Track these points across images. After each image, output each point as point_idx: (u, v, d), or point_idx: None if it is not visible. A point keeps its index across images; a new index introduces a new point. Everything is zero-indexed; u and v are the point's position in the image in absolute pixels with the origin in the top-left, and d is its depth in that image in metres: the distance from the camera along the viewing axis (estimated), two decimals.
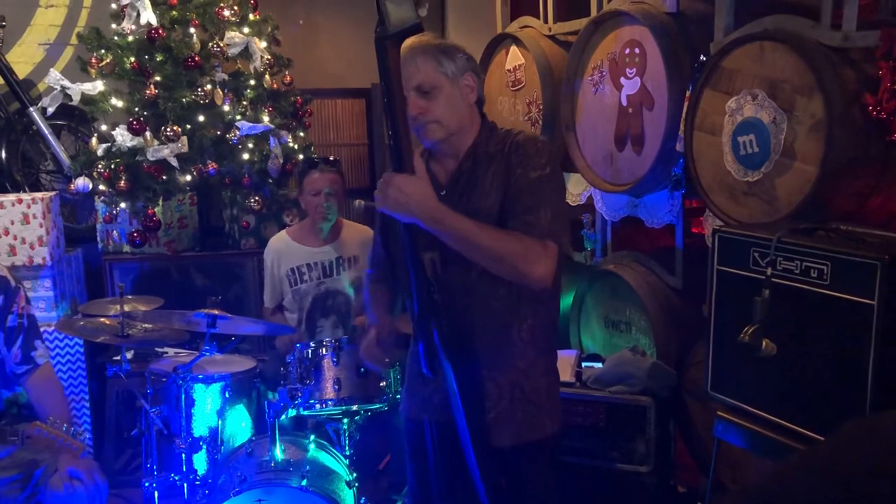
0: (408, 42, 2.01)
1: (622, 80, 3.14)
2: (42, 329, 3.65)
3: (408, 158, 1.80)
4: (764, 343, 2.03)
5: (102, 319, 3.13)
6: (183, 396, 2.91)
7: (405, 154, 1.79)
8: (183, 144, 3.90)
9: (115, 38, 4.04)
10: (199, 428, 3.01)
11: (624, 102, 3.15)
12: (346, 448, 2.93)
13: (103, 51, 4.02)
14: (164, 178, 3.93)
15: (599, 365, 3.07)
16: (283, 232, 3.68)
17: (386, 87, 1.72)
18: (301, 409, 2.87)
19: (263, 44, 4.21)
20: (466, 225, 1.85)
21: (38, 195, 3.83)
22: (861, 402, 1.89)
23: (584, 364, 3.13)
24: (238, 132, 3.98)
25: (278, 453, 2.76)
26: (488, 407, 2.04)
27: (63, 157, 4.40)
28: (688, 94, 2.80)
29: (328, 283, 3.56)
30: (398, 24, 1.62)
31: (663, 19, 2.97)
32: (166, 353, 3.48)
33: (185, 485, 2.91)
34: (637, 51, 3.06)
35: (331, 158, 3.64)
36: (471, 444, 1.85)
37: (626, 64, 3.11)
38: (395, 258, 2.21)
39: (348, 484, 2.81)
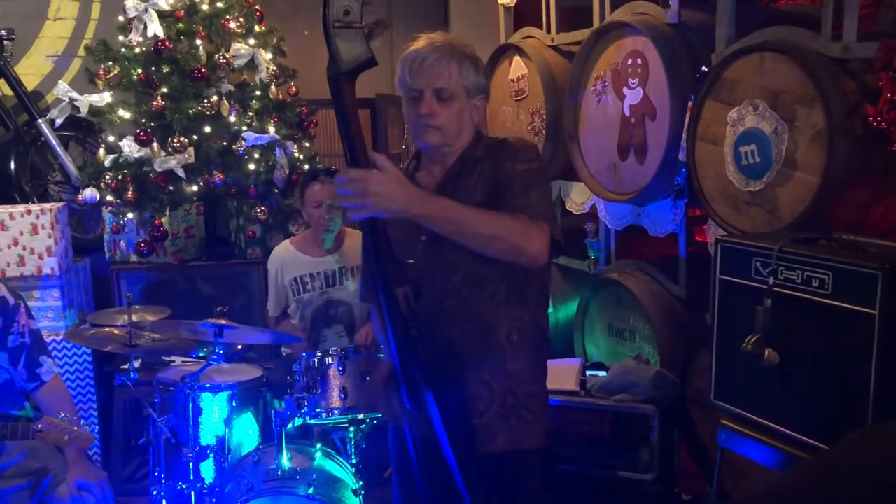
0: (446, 39, 1.98)
1: (625, 90, 3.17)
2: (50, 338, 3.72)
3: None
4: (766, 352, 2.05)
5: (110, 329, 3.15)
6: (190, 405, 2.93)
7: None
8: (189, 155, 3.94)
9: (123, 50, 4.08)
10: (207, 436, 3.03)
11: (626, 112, 3.17)
12: (353, 456, 2.94)
13: (111, 63, 4.06)
14: (171, 188, 3.97)
15: (603, 373, 3.09)
16: (287, 241, 3.70)
17: (344, 124, 1.66)
18: (307, 418, 2.89)
19: (269, 55, 4.24)
20: (456, 206, 1.81)
21: (47, 206, 3.86)
22: (863, 412, 1.90)
23: (588, 372, 3.14)
24: (244, 143, 4.01)
25: (285, 462, 2.77)
26: (480, 410, 2.00)
27: (71, 168, 4.44)
28: (690, 104, 2.83)
29: (331, 292, 3.58)
30: (351, 60, 1.58)
31: (665, 30, 3.00)
32: (174, 362, 3.50)
33: (193, 493, 2.92)
34: (639, 61, 3.08)
35: (332, 170, 3.67)
36: (454, 460, 1.81)
37: (629, 74, 3.13)
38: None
39: (354, 492, 2.83)
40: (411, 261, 1.88)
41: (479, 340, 2.00)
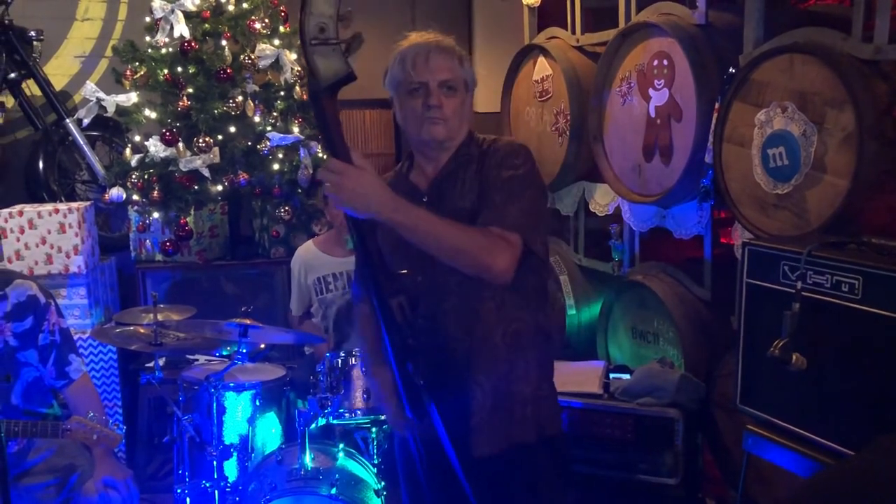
0: (436, 37, 1.99)
1: (650, 91, 3.15)
2: (77, 336, 3.76)
3: None
4: (794, 357, 2.02)
5: (136, 328, 3.18)
6: (214, 404, 2.95)
7: None
8: (214, 155, 3.96)
9: (149, 50, 4.11)
10: (230, 435, 3.05)
11: (652, 114, 3.15)
12: (375, 457, 2.95)
13: (137, 63, 4.10)
14: (196, 188, 4.00)
15: (627, 376, 3.07)
16: (310, 242, 3.72)
17: (327, 138, 1.66)
18: (331, 418, 2.90)
19: (293, 55, 4.26)
20: (427, 216, 1.78)
21: (74, 205, 3.90)
22: (892, 418, 1.87)
23: (611, 375, 3.12)
24: (268, 143, 4.04)
25: (308, 461, 2.78)
26: (473, 411, 1.98)
27: (98, 167, 4.48)
28: (717, 105, 2.80)
29: None
30: (330, 76, 1.57)
31: (692, 31, 2.98)
32: (198, 361, 3.53)
33: (217, 492, 2.94)
34: (665, 62, 3.06)
35: None
36: (459, 464, 1.80)
37: (655, 75, 3.11)
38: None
39: (377, 493, 2.83)
40: (404, 271, 1.86)
41: (476, 340, 1.98)
